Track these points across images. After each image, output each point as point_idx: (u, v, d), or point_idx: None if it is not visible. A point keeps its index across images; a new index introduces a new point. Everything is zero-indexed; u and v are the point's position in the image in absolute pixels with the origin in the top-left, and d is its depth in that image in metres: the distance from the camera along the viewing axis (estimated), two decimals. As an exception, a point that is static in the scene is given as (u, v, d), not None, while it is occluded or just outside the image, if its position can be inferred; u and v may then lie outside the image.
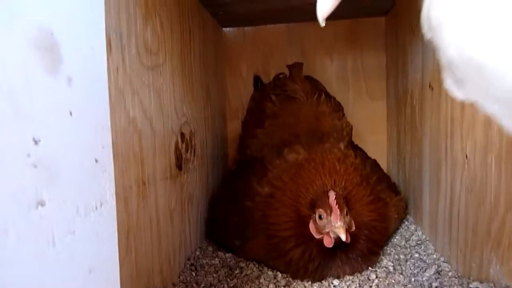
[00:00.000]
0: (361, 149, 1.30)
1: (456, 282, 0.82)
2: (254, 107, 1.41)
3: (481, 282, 0.78)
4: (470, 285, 0.79)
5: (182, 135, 1.01)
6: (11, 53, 0.33)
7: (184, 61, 1.04)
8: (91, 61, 0.45)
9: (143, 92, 0.78)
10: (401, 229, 1.19)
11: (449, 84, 0.35)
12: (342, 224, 0.87)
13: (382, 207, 1.05)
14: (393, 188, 1.25)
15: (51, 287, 0.39)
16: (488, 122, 0.74)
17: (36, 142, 0.35)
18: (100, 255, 0.46)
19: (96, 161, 0.45)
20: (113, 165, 0.50)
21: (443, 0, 0.29)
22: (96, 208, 0.45)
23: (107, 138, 0.48)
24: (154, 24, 0.84)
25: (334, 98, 1.36)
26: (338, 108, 1.32)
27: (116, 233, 0.49)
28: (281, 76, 1.42)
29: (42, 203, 0.36)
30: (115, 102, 0.65)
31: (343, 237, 0.86)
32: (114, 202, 0.49)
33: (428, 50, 0.98)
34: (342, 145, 1.14)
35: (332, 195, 0.90)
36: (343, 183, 0.96)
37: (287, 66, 1.42)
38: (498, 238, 0.75)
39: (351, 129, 1.27)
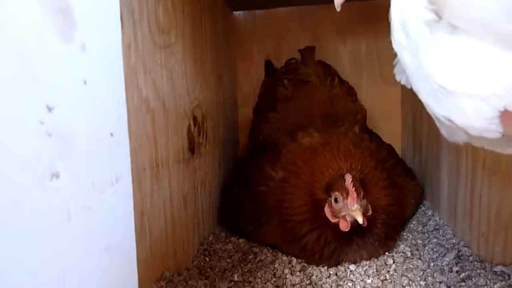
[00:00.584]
0: (375, 134, 1.27)
1: (479, 266, 0.80)
2: (266, 92, 1.38)
3: (505, 266, 0.76)
4: (494, 269, 0.76)
5: (195, 118, 0.98)
6: (21, 11, 0.31)
7: (195, 43, 1.02)
8: (105, 30, 0.43)
9: (156, 72, 0.76)
10: (418, 215, 1.17)
11: (396, 71, 0.50)
12: (359, 207, 0.85)
13: (398, 192, 1.02)
14: (409, 173, 1.22)
15: (66, 262, 0.37)
16: None
17: (49, 109, 0.34)
18: (116, 232, 0.44)
19: (112, 135, 0.43)
20: (128, 141, 0.48)
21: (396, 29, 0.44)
22: (112, 184, 0.43)
23: (122, 112, 0.46)
24: (166, 2, 0.82)
25: (347, 82, 1.33)
26: (351, 91, 1.29)
27: (133, 212, 0.48)
28: (292, 61, 1.39)
29: (56, 175, 0.35)
30: (127, 80, 0.62)
31: (360, 220, 0.84)
32: (130, 179, 0.47)
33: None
34: (357, 129, 1.12)
35: (348, 178, 0.88)
36: (359, 167, 0.94)
37: (299, 50, 1.38)
38: (524, 220, 0.72)
39: (366, 112, 1.24)
